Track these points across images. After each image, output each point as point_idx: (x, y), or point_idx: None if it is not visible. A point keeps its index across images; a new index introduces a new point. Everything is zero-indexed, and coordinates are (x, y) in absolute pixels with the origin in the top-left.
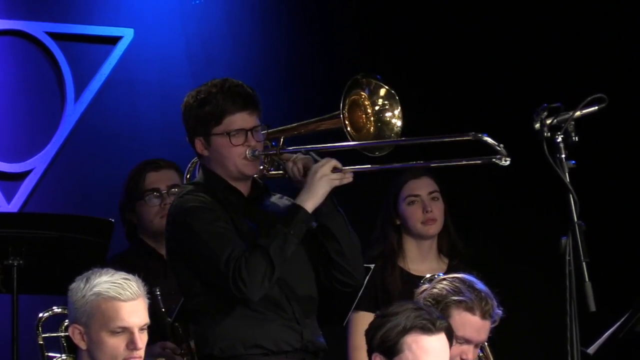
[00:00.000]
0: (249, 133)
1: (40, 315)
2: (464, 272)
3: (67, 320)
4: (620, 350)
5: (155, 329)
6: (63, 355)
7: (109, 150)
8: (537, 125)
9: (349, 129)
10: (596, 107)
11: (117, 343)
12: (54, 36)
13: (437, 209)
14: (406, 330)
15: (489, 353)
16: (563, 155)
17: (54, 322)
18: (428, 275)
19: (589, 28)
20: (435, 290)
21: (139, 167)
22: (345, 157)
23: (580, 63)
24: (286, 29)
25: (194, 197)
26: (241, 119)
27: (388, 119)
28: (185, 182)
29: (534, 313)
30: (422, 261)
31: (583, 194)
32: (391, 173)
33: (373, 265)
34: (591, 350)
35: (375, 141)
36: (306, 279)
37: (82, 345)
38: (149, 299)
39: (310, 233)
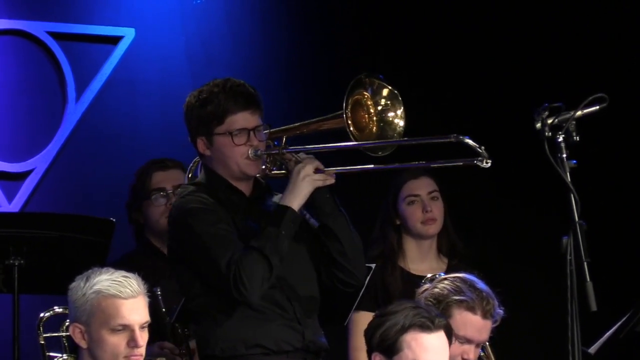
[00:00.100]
0: (251, 132)
1: (41, 315)
2: (464, 271)
3: (68, 320)
4: (622, 350)
5: (154, 329)
6: (64, 355)
7: (109, 150)
8: (538, 125)
9: (351, 128)
10: (597, 107)
11: (117, 341)
12: (55, 36)
13: (437, 209)
14: (405, 329)
15: (490, 353)
16: (564, 155)
17: (55, 322)
18: (429, 275)
19: (590, 28)
20: (436, 289)
21: (146, 167)
22: (348, 156)
23: (581, 63)
24: (286, 28)
25: (195, 197)
26: (243, 119)
27: (391, 119)
28: (187, 182)
29: (535, 313)
30: (422, 261)
31: (584, 194)
32: (389, 173)
33: (374, 265)
34: (592, 350)
35: (373, 142)
36: (307, 279)
37: (83, 344)
38: (149, 297)
39: (312, 233)
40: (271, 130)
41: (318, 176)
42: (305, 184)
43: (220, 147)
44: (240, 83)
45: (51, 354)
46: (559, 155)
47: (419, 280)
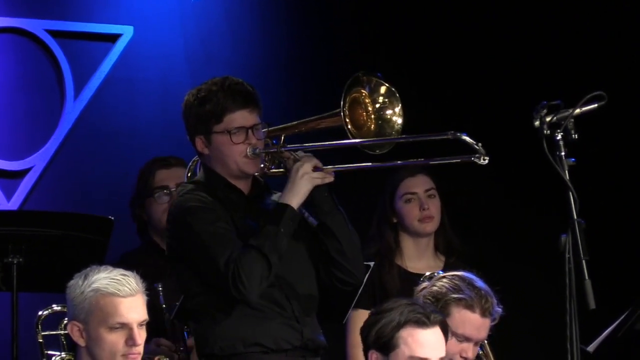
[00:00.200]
0: (250, 131)
1: (40, 313)
2: (463, 269)
3: (66, 318)
4: (620, 348)
5: (153, 325)
6: (63, 353)
7: (108, 148)
8: (537, 123)
9: (349, 126)
10: (596, 105)
11: (116, 339)
12: (54, 34)
13: (434, 207)
14: (401, 325)
15: (489, 351)
16: (563, 153)
17: (54, 320)
18: (428, 273)
19: (589, 26)
20: (435, 288)
21: (149, 164)
22: (346, 154)
23: (579, 61)
24: (285, 26)
25: (194, 196)
26: (242, 117)
27: (389, 116)
28: (186, 180)
29: (533, 311)
30: (419, 259)
31: (583, 192)
32: (386, 171)
33: (373, 263)
34: (591, 348)
35: (371, 139)
36: (306, 277)
37: (81, 342)
38: (148, 295)
39: (311, 231)
40: (269, 128)
41: (317, 174)
42: (304, 182)
43: (218, 145)
44: (238, 81)
45: (50, 352)
46: (558, 153)
47: (416, 278)
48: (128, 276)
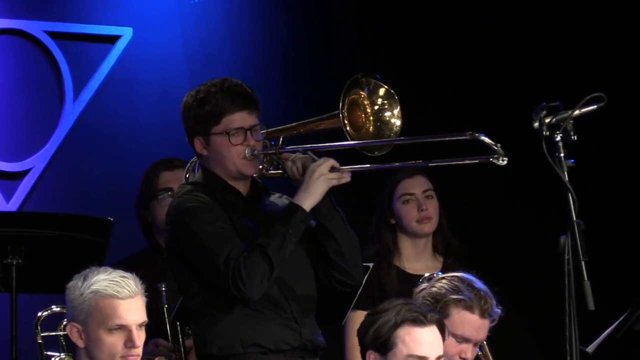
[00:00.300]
0: (248, 132)
1: (39, 314)
2: (462, 270)
3: (65, 319)
4: (619, 349)
5: (154, 325)
6: (62, 354)
7: (107, 150)
8: (536, 124)
9: (348, 128)
10: (595, 106)
11: (115, 341)
12: (53, 35)
13: (432, 207)
14: (398, 324)
15: (488, 352)
16: (562, 154)
17: (53, 321)
18: (427, 274)
19: (588, 27)
20: (434, 289)
21: (154, 166)
22: (345, 156)
23: (579, 62)
24: (285, 28)
25: (192, 197)
26: (240, 118)
27: (387, 118)
28: (184, 181)
29: (532, 312)
30: (418, 260)
31: (582, 193)
32: (385, 172)
33: (372, 264)
34: (590, 349)
35: (374, 140)
36: (305, 278)
37: (80, 343)
38: (150, 296)
39: (309, 232)
40: (268, 130)
41: (333, 175)
42: (320, 182)
43: (217, 146)
44: (237, 83)
45: (49, 353)
46: (557, 154)
47: (414, 279)
48: (127, 278)
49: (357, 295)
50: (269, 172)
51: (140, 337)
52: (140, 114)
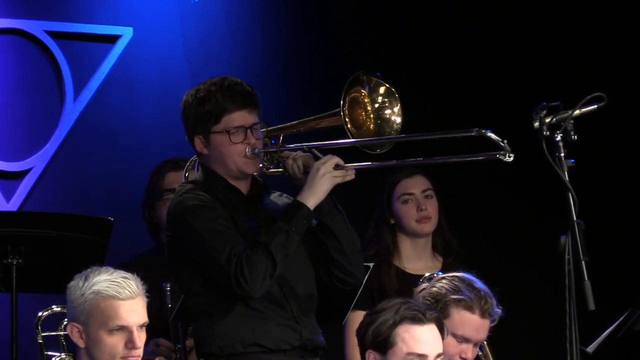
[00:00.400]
0: (249, 131)
1: (40, 314)
2: (462, 270)
3: (66, 320)
4: (620, 349)
5: (158, 326)
6: (62, 354)
7: (108, 149)
8: (537, 124)
9: (349, 126)
10: (595, 106)
11: (115, 342)
12: (53, 35)
13: (431, 207)
14: (397, 323)
15: (488, 352)
16: (562, 154)
17: (53, 321)
18: (427, 274)
19: (589, 27)
20: (434, 289)
21: (160, 166)
22: (345, 154)
23: (579, 62)
24: (285, 28)
25: (193, 195)
26: (240, 117)
27: (388, 116)
28: (184, 180)
29: (532, 312)
30: (417, 260)
31: (582, 193)
32: (385, 171)
33: (372, 264)
34: (590, 349)
35: (376, 138)
36: (305, 278)
37: (81, 343)
38: (149, 297)
39: (310, 231)
40: (268, 128)
41: (338, 172)
42: (324, 180)
43: (217, 145)
44: (237, 81)
45: (49, 353)
46: (557, 154)
47: (414, 279)
48: (129, 279)
49: (357, 295)
50: (270, 170)
51: (140, 338)
52: (140, 114)
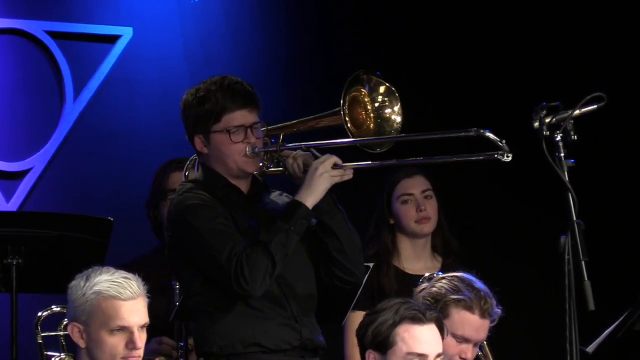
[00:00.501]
0: (249, 130)
1: (40, 314)
2: (462, 270)
3: (66, 319)
4: (620, 349)
5: (158, 324)
6: (62, 354)
7: (107, 149)
8: (536, 124)
9: (349, 125)
10: (595, 106)
11: (116, 342)
12: (53, 35)
13: (431, 207)
14: (396, 323)
15: (488, 352)
16: (562, 154)
17: (53, 321)
18: (427, 274)
19: (589, 27)
20: (434, 289)
21: (164, 166)
22: (345, 153)
23: (579, 62)
24: (285, 27)
25: (193, 194)
26: (241, 116)
27: (388, 115)
28: (184, 179)
29: (532, 312)
30: (417, 260)
31: (582, 193)
32: (384, 171)
33: (372, 264)
34: (590, 349)
35: (376, 137)
36: (305, 277)
37: (81, 343)
38: (148, 298)
39: (310, 230)
40: (268, 127)
41: (336, 172)
42: (322, 180)
43: (217, 144)
44: (237, 81)
45: (49, 353)
46: (557, 154)
47: (414, 279)
48: (130, 279)
49: (357, 295)
50: (270, 169)
51: (141, 338)
52: (140, 114)
